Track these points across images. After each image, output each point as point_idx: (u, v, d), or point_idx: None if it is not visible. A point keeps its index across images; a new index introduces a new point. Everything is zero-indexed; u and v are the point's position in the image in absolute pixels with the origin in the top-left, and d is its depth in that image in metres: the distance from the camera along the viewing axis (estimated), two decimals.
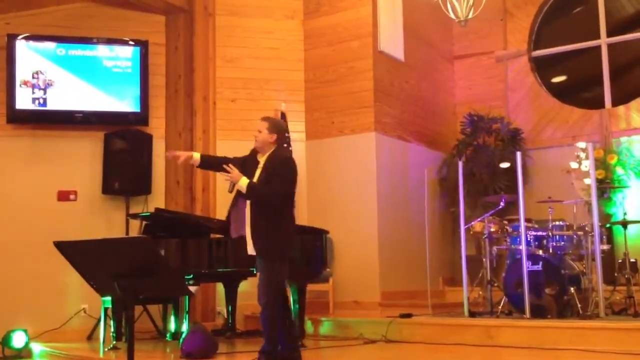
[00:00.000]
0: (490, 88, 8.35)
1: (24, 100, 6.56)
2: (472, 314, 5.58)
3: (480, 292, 6.03)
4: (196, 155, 4.51)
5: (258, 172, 4.30)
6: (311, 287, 5.88)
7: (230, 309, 6.20)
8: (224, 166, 4.27)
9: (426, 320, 5.57)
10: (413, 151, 7.60)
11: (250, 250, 4.32)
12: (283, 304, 4.37)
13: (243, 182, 4.17)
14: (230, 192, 4.33)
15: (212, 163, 4.63)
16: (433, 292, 6.11)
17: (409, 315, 5.63)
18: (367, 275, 6.81)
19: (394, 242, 7.04)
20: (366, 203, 6.97)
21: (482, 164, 7.63)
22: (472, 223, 6.00)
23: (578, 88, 8.39)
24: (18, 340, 6.01)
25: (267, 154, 4.30)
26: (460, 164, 6.07)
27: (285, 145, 7.06)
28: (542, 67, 8.36)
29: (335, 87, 7.32)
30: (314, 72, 7.46)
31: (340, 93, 7.27)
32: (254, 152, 4.44)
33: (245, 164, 4.37)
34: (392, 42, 7.39)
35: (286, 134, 7.13)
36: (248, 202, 4.27)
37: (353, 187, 7.08)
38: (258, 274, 4.33)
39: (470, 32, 7.99)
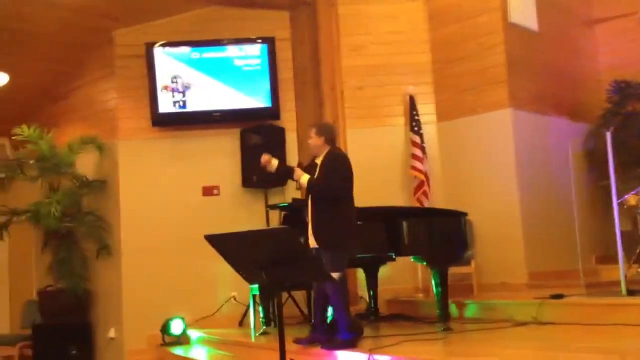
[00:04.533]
0: (636, 51, 7.71)
1: (165, 104, 6.95)
2: (631, 292, 5.19)
3: (639, 269, 5.61)
4: (274, 163, 4.85)
5: (317, 173, 4.67)
6: (453, 270, 5.75)
7: (371, 293, 6.25)
8: (294, 167, 4.84)
9: (580, 301, 5.27)
10: (554, 125, 7.21)
11: (312, 243, 4.58)
12: (324, 294, 4.65)
13: (304, 179, 4.63)
14: (298, 189, 4.87)
15: (284, 170, 4.97)
16: (585, 271, 5.78)
17: (560, 296, 5.35)
18: (512, 256, 6.56)
19: (539, 221, 6.73)
20: (506, 182, 6.71)
21: (634, 132, 7.11)
22: (626, 197, 5.59)
23: None
24: (176, 327, 6.42)
25: (323, 155, 4.67)
26: (608, 134, 5.66)
27: (414, 131, 7.01)
28: None
29: (464, 66, 7.11)
30: (440, 52, 7.29)
31: (470, 71, 7.05)
32: (313, 159, 4.84)
33: (310, 170, 4.75)
34: (524, 12, 7.05)
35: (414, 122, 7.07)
36: (309, 199, 4.63)
37: (490, 167, 6.85)
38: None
39: None
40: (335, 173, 4.59)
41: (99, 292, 7.15)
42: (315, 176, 4.68)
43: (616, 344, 4.21)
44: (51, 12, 6.57)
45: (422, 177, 6.93)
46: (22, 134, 6.99)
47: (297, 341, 4.72)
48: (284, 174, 4.97)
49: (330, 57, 7.20)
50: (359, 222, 5.54)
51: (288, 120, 7.18)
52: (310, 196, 4.66)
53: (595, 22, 8.11)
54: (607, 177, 5.62)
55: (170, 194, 6.96)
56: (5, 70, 7.28)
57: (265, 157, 4.84)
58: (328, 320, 4.78)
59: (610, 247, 7.04)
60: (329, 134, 4.74)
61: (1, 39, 6.77)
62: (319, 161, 4.72)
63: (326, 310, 4.79)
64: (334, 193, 4.58)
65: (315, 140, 4.72)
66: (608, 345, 4.17)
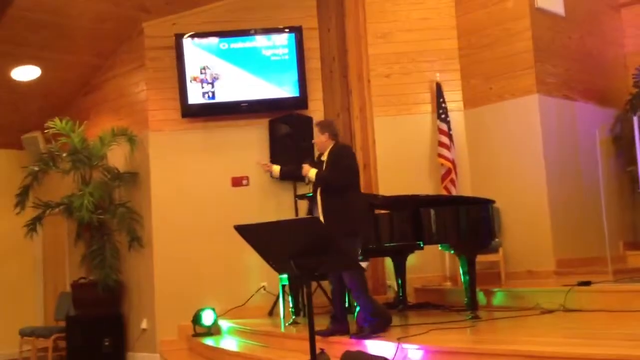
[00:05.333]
0: None
1: (195, 95, 7.03)
2: None
3: None
4: (276, 169, 5.18)
5: (325, 167, 4.88)
6: (481, 258, 5.77)
7: (400, 282, 6.30)
8: (303, 165, 5.00)
9: (607, 287, 5.27)
10: (581, 110, 7.16)
11: None
12: (341, 284, 4.79)
13: (312, 173, 4.86)
14: (307, 184, 5.10)
15: (289, 171, 5.27)
16: (613, 257, 5.76)
17: (588, 283, 5.36)
18: (539, 243, 6.56)
19: (567, 208, 6.71)
20: (533, 169, 6.69)
21: None
22: None
23: None
24: (207, 318, 6.50)
25: (328, 150, 4.89)
26: (635, 119, 5.64)
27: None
28: None
29: (491, 52, 7.08)
30: (467, 38, 7.26)
31: (498, 57, 7.01)
32: (320, 156, 5.04)
33: (316, 166, 4.93)
34: None
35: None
36: (319, 191, 4.82)
37: (518, 154, 6.83)
38: None
39: None
40: (341, 164, 4.78)
41: (131, 284, 7.26)
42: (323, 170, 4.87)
43: None
44: (86, 5, 6.68)
45: (450, 164, 6.93)
46: (54, 127, 7.11)
47: (317, 333, 4.78)
48: (292, 175, 5.25)
49: (357, 45, 7.22)
50: (386, 212, 5.63)
51: (316, 109, 7.20)
52: (319, 190, 4.82)
53: (621, 6, 8.00)
54: (635, 163, 5.59)
55: (200, 185, 7.05)
56: (38, 64, 7.43)
57: (262, 165, 5.15)
58: (355, 312, 4.84)
59: (638, 233, 7.02)
60: (331, 130, 4.96)
61: (36, 34, 6.91)
62: (325, 157, 4.91)
63: (344, 299, 4.91)
64: (342, 182, 4.74)
65: (320, 138, 4.94)
66: (637, 332, 4.17)
